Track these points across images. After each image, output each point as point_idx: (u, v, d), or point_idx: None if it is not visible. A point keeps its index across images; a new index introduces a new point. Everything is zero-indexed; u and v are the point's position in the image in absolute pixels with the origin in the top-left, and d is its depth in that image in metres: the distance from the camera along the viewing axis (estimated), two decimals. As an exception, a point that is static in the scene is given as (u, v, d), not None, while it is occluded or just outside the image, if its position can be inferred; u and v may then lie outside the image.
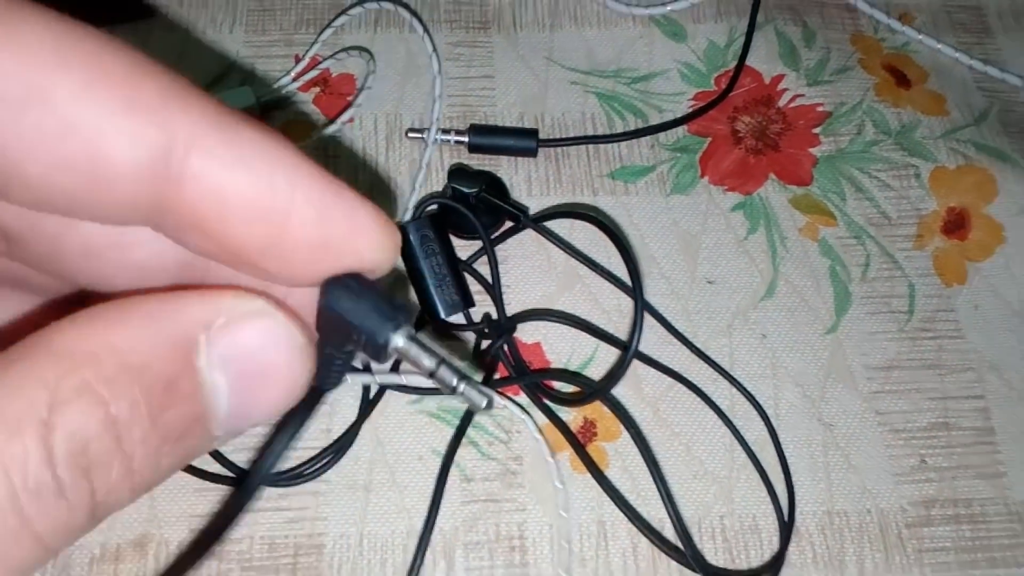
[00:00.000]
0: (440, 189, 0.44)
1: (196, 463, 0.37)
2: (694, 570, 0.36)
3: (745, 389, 0.40)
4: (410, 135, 0.45)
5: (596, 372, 0.40)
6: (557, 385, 0.40)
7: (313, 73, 0.47)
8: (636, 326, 0.36)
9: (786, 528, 0.38)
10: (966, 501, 0.39)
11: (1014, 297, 0.44)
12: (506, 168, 0.45)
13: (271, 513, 0.37)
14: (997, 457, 0.40)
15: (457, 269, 0.41)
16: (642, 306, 0.36)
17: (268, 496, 0.37)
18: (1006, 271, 0.45)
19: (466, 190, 0.41)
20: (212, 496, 0.36)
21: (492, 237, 0.43)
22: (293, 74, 0.46)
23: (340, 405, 0.39)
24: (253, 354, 0.17)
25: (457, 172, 0.42)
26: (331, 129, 0.45)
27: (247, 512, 0.26)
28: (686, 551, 0.36)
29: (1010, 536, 0.39)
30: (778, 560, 0.37)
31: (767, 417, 0.39)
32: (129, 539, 0.36)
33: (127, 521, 0.36)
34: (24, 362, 0.14)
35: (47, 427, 0.14)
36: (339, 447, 0.37)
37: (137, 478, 0.16)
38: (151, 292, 0.16)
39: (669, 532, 0.37)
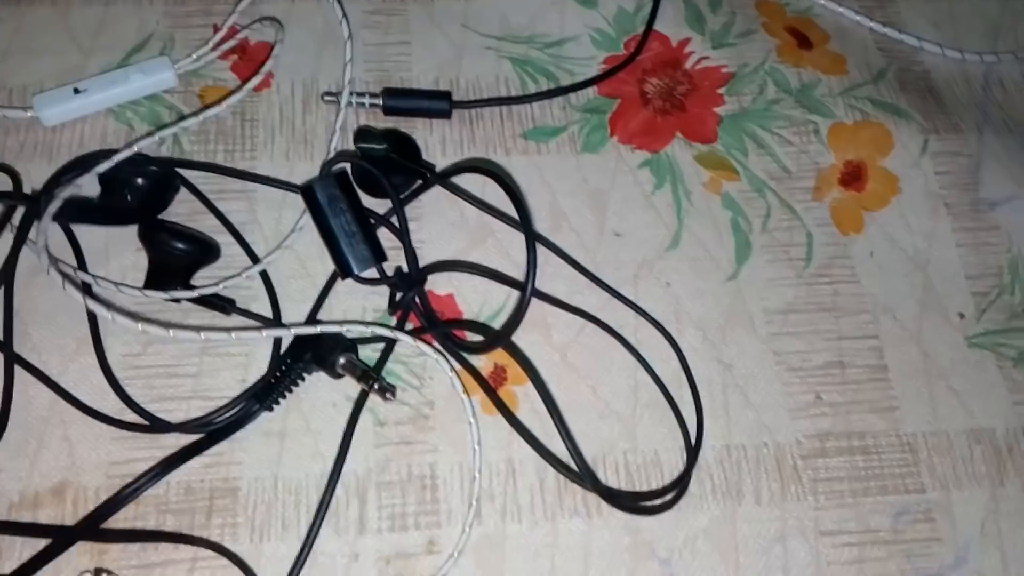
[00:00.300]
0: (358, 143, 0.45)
1: (112, 413, 0.38)
2: (594, 491, 0.38)
3: (658, 323, 0.42)
4: (326, 99, 0.46)
5: (506, 318, 0.42)
6: (468, 336, 0.42)
7: (232, 43, 0.48)
8: (530, 263, 0.37)
9: (693, 451, 0.39)
10: (859, 434, 0.41)
11: (908, 244, 0.46)
12: (421, 130, 0.47)
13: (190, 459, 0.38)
14: (890, 393, 0.43)
15: (368, 226, 0.42)
16: (533, 240, 0.37)
17: (185, 441, 0.38)
18: (901, 219, 0.47)
19: (375, 147, 0.42)
20: (128, 444, 0.37)
21: (403, 196, 0.44)
22: (212, 44, 0.47)
23: (255, 357, 0.40)
24: None
25: (363, 133, 0.43)
26: (247, 95, 0.46)
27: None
28: (586, 477, 0.38)
29: (901, 465, 0.41)
30: (685, 477, 0.39)
31: (676, 345, 0.41)
32: (47, 486, 0.37)
33: (45, 469, 0.37)
34: None
35: None
36: (255, 395, 0.39)
37: None
38: None
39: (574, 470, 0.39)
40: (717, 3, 0.52)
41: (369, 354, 0.41)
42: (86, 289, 0.39)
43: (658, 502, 0.39)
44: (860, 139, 0.48)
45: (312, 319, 0.41)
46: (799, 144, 0.48)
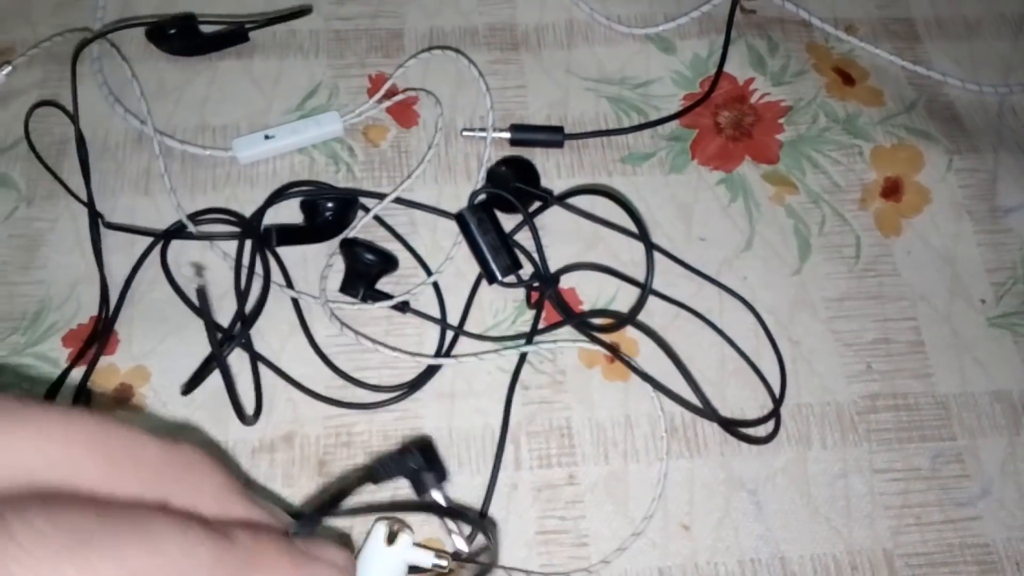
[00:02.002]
0: (490, 172, 0.56)
1: (323, 379, 0.49)
2: (711, 419, 0.49)
3: (746, 301, 0.53)
4: (464, 134, 0.58)
5: (618, 307, 0.53)
6: (593, 320, 0.53)
7: (386, 103, 0.59)
8: (649, 264, 0.48)
9: (777, 401, 0.50)
10: (903, 395, 0.52)
11: (938, 244, 0.57)
12: (540, 157, 0.58)
13: (383, 414, 0.49)
14: (927, 363, 0.53)
15: (507, 241, 0.53)
16: (651, 249, 0.49)
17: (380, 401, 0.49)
18: (932, 224, 0.57)
19: (503, 184, 0.54)
20: (332, 409, 0.49)
21: (530, 211, 0.55)
22: (372, 101, 0.58)
23: (426, 337, 0.51)
24: None
25: (491, 173, 0.55)
26: (401, 131, 0.58)
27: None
28: (704, 408, 0.48)
29: (937, 419, 0.51)
30: (775, 413, 0.50)
31: (762, 320, 0.52)
32: (279, 435, 0.48)
33: (277, 421, 0.48)
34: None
35: None
36: (428, 371, 0.50)
37: None
38: None
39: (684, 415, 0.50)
40: (775, 48, 0.63)
41: (509, 336, 0.52)
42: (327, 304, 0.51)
43: (761, 432, 0.50)
44: (897, 159, 0.59)
45: (463, 318, 0.52)
46: (847, 164, 0.59)
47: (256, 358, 0.49)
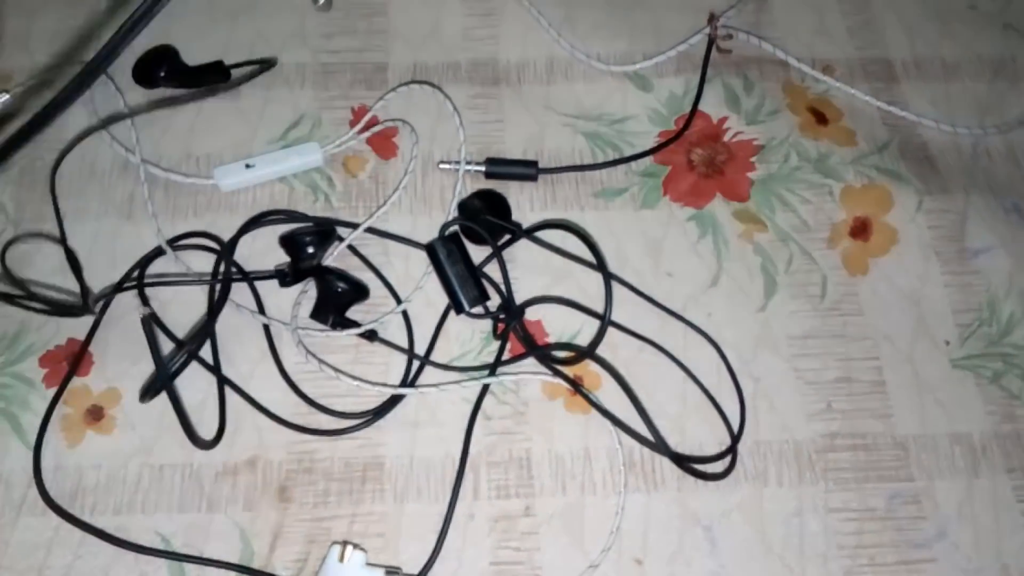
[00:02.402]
0: (462, 203, 0.58)
1: (288, 405, 0.50)
2: (664, 454, 0.50)
3: (709, 337, 0.54)
4: (440, 166, 0.59)
5: (583, 340, 0.54)
6: (556, 353, 0.54)
7: (367, 133, 0.61)
8: (608, 298, 0.49)
9: (735, 438, 0.51)
10: (862, 435, 0.52)
11: (905, 284, 0.57)
12: (514, 190, 0.59)
13: (346, 441, 0.50)
14: (887, 403, 0.53)
15: (475, 272, 0.54)
16: (610, 281, 0.50)
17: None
18: (899, 264, 0.58)
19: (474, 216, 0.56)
20: (295, 435, 0.50)
21: (499, 244, 0.56)
22: (353, 133, 0.60)
23: (392, 367, 0.52)
24: None
25: (463, 205, 0.57)
26: (379, 162, 0.59)
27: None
28: (657, 442, 0.49)
29: (895, 460, 0.52)
30: (731, 449, 0.50)
31: (724, 356, 0.53)
32: (243, 459, 0.49)
33: (243, 446, 0.49)
34: None
35: None
36: (391, 400, 0.51)
37: None
38: None
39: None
40: (751, 87, 0.64)
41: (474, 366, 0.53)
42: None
43: (718, 467, 0.50)
44: (867, 199, 0.60)
45: (430, 348, 0.53)
46: (816, 203, 0.59)
47: (223, 381, 0.51)
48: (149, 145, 0.59)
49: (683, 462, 0.50)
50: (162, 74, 0.60)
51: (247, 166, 0.57)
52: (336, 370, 0.51)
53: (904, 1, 0.70)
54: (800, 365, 0.54)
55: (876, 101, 0.64)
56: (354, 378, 0.51)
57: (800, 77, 0.65)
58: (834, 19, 0.69)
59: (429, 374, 0.53)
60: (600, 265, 0.50)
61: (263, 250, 0.56)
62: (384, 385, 0.51)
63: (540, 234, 0.57)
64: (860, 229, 0.59)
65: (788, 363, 0.54)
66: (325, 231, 0.54)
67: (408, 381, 0.52)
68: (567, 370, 0.53)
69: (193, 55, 0.63)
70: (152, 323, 0.50)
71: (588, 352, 0.52)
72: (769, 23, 0.68)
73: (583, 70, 0.65)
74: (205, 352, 0.52)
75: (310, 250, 0.53)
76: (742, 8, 0.67)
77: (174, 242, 0.55)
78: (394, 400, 0.51)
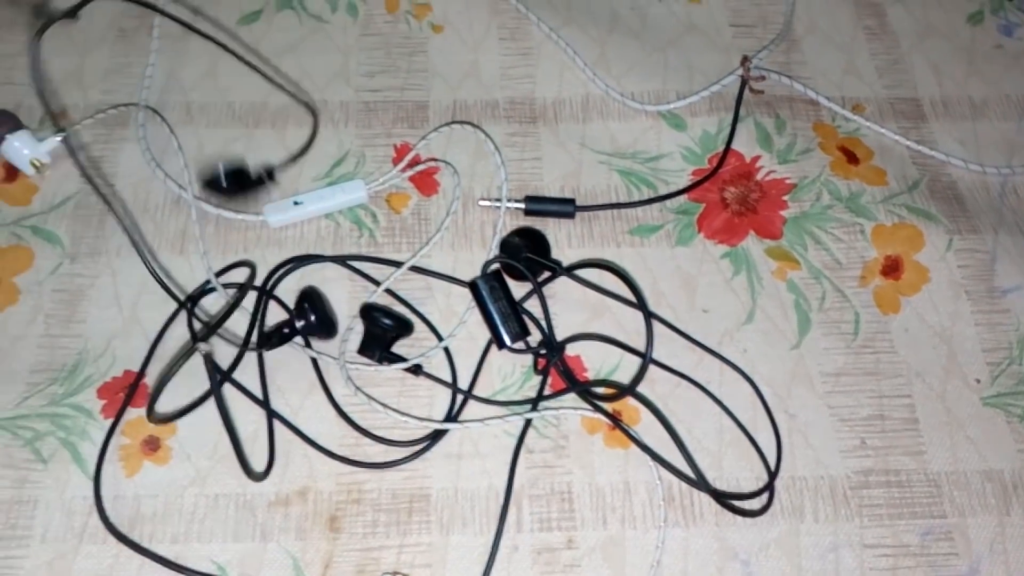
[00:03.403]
0: (503, 241, 0.59)
1: (335, 437, 0.52)
2: (704, 491, 0.51)
3: (745, 374, 0.55)
4: (480, 203, 0.61)
5: (621, 376, 0.55)
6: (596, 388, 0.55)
7: (409, 172, 0.63)
8: (649, 337, 0.51)
9: (772, 474, 0.52)
10: (895, 471, 0.54)
11: (935, 322, 0.58)
12: (552, 226, 0.61)
13: (393, 473, 0.52)
14: (920, 440, 0.55)
15: (516, 309, 0.56)
16: (650, 320, 0.52)
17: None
18: (930, 303, 0.59)
19: (515, 254, 0.57)
20: (344, 466, 0.52)
21: (540, 281, 0.58)
22: (396, 171, 0.62)
23: (437, 399, 0.54)
24: None
25: (504, 242, 0.58)
26: (421, 199, 0.61)
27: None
28: (698, 479, 0.51)
29: (928, 496, 0.53)
30: (769, 486, 0.52)
31: (760, 392, 0.54)
32: (295, 489, 0.51)
33: (294, 477, 0.51)
34: None
35: None
36: (436, 434, 0.53)
37: None
38: None
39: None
40: (783, 126, 0.65)
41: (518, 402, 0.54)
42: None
43: (755, 503, 0.51)
44: (897, 238, 0.61)
45: (473, 382, 0.55)
46: (848, 241, 0.61)
47: (272, 415, 0.52)
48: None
49: (722, 498, 0.51)
50: (225, 185, 0.61)
51: (295, 203, 0.59)
52: (384, 405, 0.53)
53: (932, 41, 0.72)
54: (834, 402, 0.55)
55: (905, 140, 0.66)
56: (401, 413, 0.53)
57: (830, 116, 0.67)
58: (863, 59, 0.70)
59: (472, 407, 0.54)
60: (641, 304, 0.52)
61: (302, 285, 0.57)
62: (429, 420, 0.53)
63: (578, 271, 0.58)
64: (891, 268, 0.60)
65: (822, 400, 0.55)
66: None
67: (452, 415, 0.53)
68: (607, 406, 0.54)
69: (238, 94, 0.65)
70: (212, 359, 0.51)
71: (629, 389, 0.53)
72: (799, 63, 0.69)
73: (618, 108, 0.66)
74: (254, 383, 0.53)
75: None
76: (773, 48, 0.69)
77: (220, 274, 0.57)
78: (439, 433, 0.53)
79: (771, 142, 0.65)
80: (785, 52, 0.70)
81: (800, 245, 0.61)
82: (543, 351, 0.55)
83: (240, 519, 0.50)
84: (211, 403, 0.52)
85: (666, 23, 0.71)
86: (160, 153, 0.62)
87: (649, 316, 0.52)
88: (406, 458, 0.52)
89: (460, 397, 0.54)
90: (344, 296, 0.57)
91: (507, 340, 0.55)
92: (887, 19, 0.73)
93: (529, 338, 0.56)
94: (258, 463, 0.51)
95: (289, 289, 0.57)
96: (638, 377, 0.52)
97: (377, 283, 0.58)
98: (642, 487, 0.52)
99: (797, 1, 0.73)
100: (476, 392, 0.54)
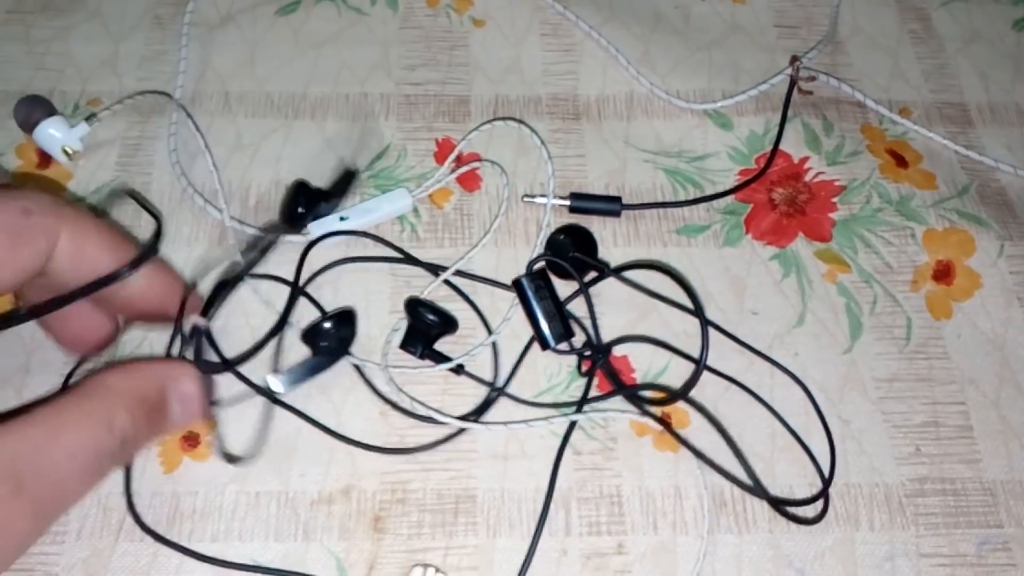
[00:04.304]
0: (549, 239, 0.58)
1: (379, 434, 0.51)
2: (761, 498, 0.50)
3: (797, 378, 0.54)
4: (524, 199, 0.60)
5: (670, 378, 0.54)
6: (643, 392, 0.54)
7: (454, 173, 0.62)
8: (704, 341, 0.50)
9: (827, 481, 0.51)
10: (951, 479, 0.52)
11: (988, 329, 0.57)
12: (596, 225, 0.59)
13: (438, 472, 0.50)
14: (975, 448, 0.53)
15: (561, 309, 0.55)
16: (707, 328, 0.50)
17: (436, 460, 0.50)
18: (982, 309, 0.58)
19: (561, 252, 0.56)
20: (393, 458, 0.50)
21: (586, 281, 0.56)
22: (438, 176, 0.60)
23: (477, 398, 0.53)
24: (190, 393, 0.40)
25: (550, 240, 0.57)
26: (463, 195, 0.60)
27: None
28: (755, 486, 0.49)
29: (984, 506, 0.52)
30: (823, 493, 0.50)
31: (812, 397, 0.53)
32: (338, 488, 0.49)
33: (337, 474, 0.50)
34: (93, 395, 0.32)
35: (110, 425, 0.32)
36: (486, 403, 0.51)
37: (140, 447, 0.39)
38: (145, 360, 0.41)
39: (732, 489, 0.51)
40: (830, 128, 0.64)
41: (564, 399, 0.53)
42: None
43: (809, 511, 0.50)
44: (948, 243, 0.60)
45: (510, 378, 0.54)
46: (899, 245, 0.60)
47: (301, 416, 0.51)
48: (237, 171, 0.60)
49: (779, 505, 0.50)
50: (301, 210, 0.57)
51: (341, 219, 0.57)
52: (426, 407, 0.51)
53: (977, 47, 0.71)
54: (887, 408, 0.54)
55: (953, 144, 0.65)
56: (444, 415, 0.51)
57: (878, 119, 0.66)
58: (908, 62, 0.69)
59: (515, 407, 0.53)
60: (698, 311, 0.50)
61: (342, 284, 0.56)
62: (475, 422, 0.52)
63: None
64: (943, 273, 0.59)
65: (876, 406, 0.54)
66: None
67: (480, 414, 0.52)
68: (655, 409, 0.53)
69: (278, 85, 0.64)
70: (203, 336, 0.49)
71: (681, 394, 0.52)
72: (845, 65, 0.69)
73: (662, 107, 0.65)
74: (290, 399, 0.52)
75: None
76: (821, 49, 0.68)
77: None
78: (486, 406, 0.51)
79: (819, 143, 0.64)
80: (830, 54, 0.69)
81: (850, 248, 0.59)
82: (587, 353, 0.54)
83: (282, 517, 0.48)
84: (252, 396, 0.51)
85: (710, 23, 0.70)
86: (196, 147, 0.61)
87: (706, 322, 0.50)
88: (444, 439, 0.51)
89: (503, 398, 0.53)
90: (386, 292, 0.56)
91: (551, 342, 0.53)
92: (931, 23, 0.72)
93: (573, 339, 0.54)
94: (283, 461, 0.50)
95: (325, 284, 0.56)
96: (690, 383, 0.51)
97: (436, 274, 0.56)
98: (692, 492, 0.51)
99: (842, 3, 0.72)
100: (521, 392, 0.53)
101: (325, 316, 0.53)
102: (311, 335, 0.52)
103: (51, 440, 0.31)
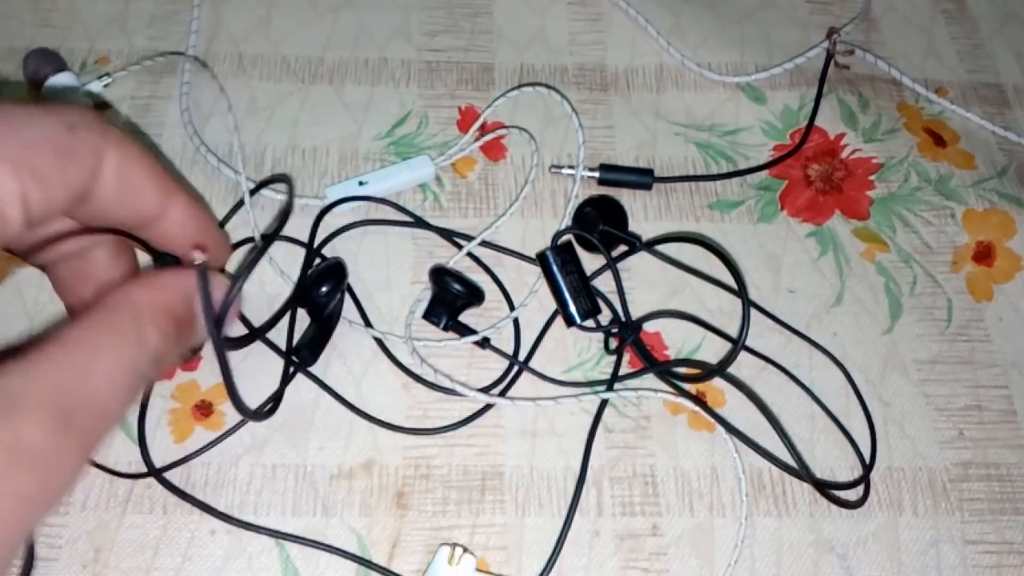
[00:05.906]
0: (577, 211, 0.55)
1: (402, 410, 0.48)
2: (804, 480, 0.47)
3: (836, 359, 0.52)
4: (552, 170, 0.57)
5: (704, 355, 0.52)
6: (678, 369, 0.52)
7: (479, 141, 0.59)
8: (744, 320, 0.47)
9: (868, 465, 0.49)
10: (995, 464, 0.50)
11: (1031, 312, 0.55)
12: (627, 198, 0.57)
13: (464, 448, 0.48)
14: (1019, 432, 0.51)
15: (588, 284, 0.52)
16: (748, 305, 0.48)
17: (461, 436, 0.48)
18: (1023, 291, 0.56)
19: (589, 225, 0.53)
20: (411, 439, 0.48)
21: (615, 255, 0.54)
22: (461, 144, 0.58)
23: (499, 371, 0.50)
24: (217, 302, 0.36)
25: (578, 213, 0.55)
26: (488, 164, 0.57)
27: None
28: (799, 467, 0.47)
29: (1030, 493, 0.50)
30: (865, 477, 0.48)
31: (852, 379, 0.51)
32: (359, 463, 0.47)
33: (357, 449, 0.47)
34: (122, 312, 0.30)
35: (143, 343, 0.30)
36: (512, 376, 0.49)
37: (169, 363, 0.36)
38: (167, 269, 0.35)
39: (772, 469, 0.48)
40: (866, 105, 0.62)
41: (595, 375, 0.51)
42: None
43: (851, 495, 0.48)
44: (989, 223, 0.58)
45: (531, 353, 0.51)
46: (938, 225, 0.58)
47: (323, 387, 0.48)
48: (253, 134, 0.57)
49: (823, 488, 0.47)
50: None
51: (360, 183, 0.55)
52: (451, 380, 0.49)
53: (1012, 28, 0.69)
54: (929, 391, 0.52)
55: (991, 125, 0.63)
56: (468, 387, 0.49)
57: (914, 97, 0.64)
58: (943, 42, 0.67)
59: (544, 383, 0.50)
60: (740, 286, 0.48)
61: (367, 251, 0.54)
62: (500, 397, 0.49)
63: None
64: (984, 254, 0.57)
65: (917, 388, 0.52)
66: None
67: (504, 388, 0.50)
68: (689, 387, 0.51)
69: (295, 48, 0.62)
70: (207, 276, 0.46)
71: (718, 371, 0.50)
72: (879, 43, 0.67)
73: (693, 79, 0.63)
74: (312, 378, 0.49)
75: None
76: (858, 24, 0.66)
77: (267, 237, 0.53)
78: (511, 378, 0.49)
79: (856, 120, 0.62)
80: (864, 32, 0.67)
81: (888, 227, 0.57)
82: (615, 330, 0.51)
83: (300, 491, 0.46)
84: (268, 363, 0.48)
85: (742, -5, 0.68)
86: (209, 108, 0.58)
87: (747, 301, 0.48)
88: (472, 416, 0.48)
89: (526, 374, 0.50)
90: (408, 263, 0.54)
91: (577, 318, 0.51)
92: (965, 4, 0.70)
93: (600, 316, 0.52)
94: (301, 434, 0.47)
95: (347, 255, 0.53)
96: (727, 360, 0.48)
97: (459, 246, 0.54)
98: (730, 473, 0.48)
99: (875, -21, 0.70)
100: (550, 367, 0.51)
101: (312, 278, 0.50)
102: (306, 302, 0.49)
103: (90, 365, 0.28)
